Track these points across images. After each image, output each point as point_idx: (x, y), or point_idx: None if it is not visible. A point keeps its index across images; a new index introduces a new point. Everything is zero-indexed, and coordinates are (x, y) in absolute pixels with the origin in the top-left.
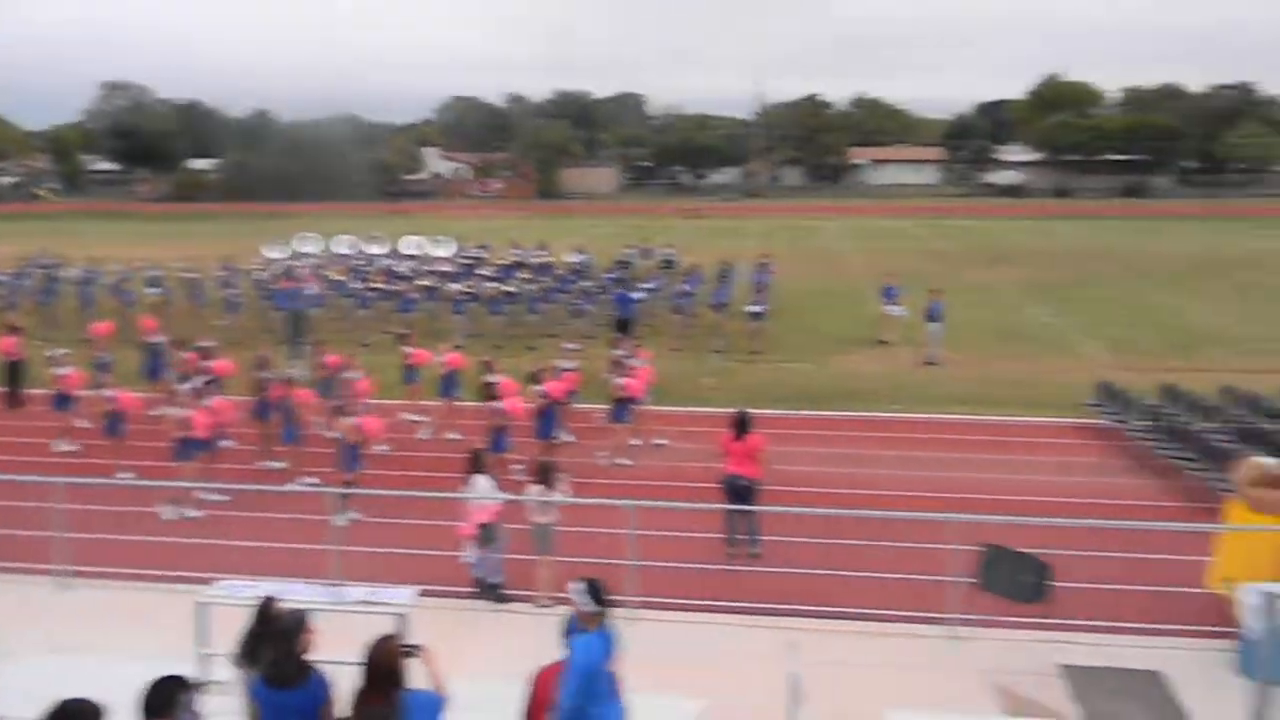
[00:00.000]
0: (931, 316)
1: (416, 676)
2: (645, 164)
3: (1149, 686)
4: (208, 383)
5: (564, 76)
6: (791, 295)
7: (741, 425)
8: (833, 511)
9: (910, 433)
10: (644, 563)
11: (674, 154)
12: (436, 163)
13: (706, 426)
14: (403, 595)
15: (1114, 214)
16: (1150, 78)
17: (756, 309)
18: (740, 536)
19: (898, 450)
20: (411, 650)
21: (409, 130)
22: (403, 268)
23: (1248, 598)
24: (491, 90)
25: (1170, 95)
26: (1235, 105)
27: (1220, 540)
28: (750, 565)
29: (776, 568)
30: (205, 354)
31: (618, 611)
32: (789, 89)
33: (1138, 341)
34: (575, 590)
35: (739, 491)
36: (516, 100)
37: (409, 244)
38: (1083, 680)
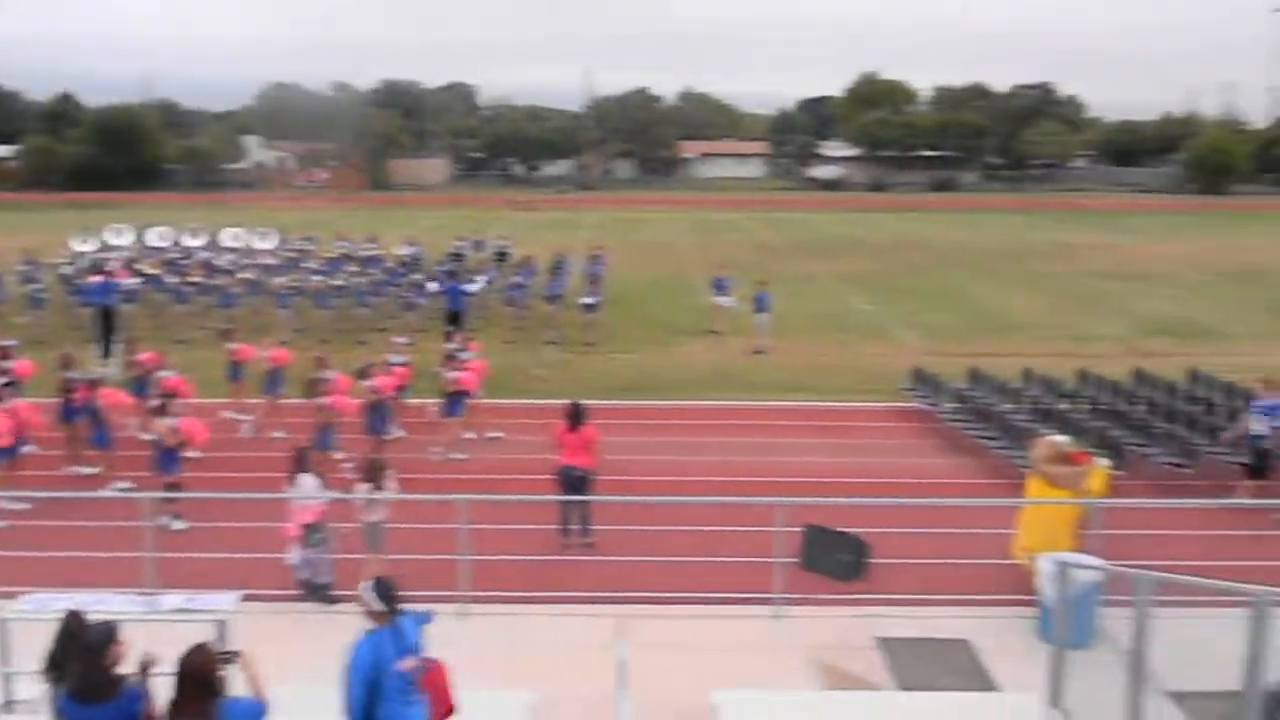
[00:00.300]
0: (759, 307)
1: (236, 684)
2: (476, 155)
3: (958, 654)
4: (7, 384)
5: (392, 65)
6: (625, 287)
7: (575, 416)
8: (664, 499)
9: (738, 420)
10: (477, 557)
11: (506, 145)
12: (258, 152)
13: (541, 418)
14: (223, 601)
15: (926, 207)
16: (959, 77)
17: (590, 301)
18: (574, 527)
19: (726, 437)
20: (229, 657)
21: (227, 118)
22: (223, 261)
23: (1044, 566)
24: (315, 78)
25: (977, 94)
26: (1035, 104)
27: (1021, 513)
28: (584, 555)
29: (610, 556)
30: (4, 354)
31: (448, 607)
32: (619, 82)
33: (948, 328)
34: (363, 588)
35: (573, 482)
36: (342, 88)
37: (229, 236)
38: (898, 651)
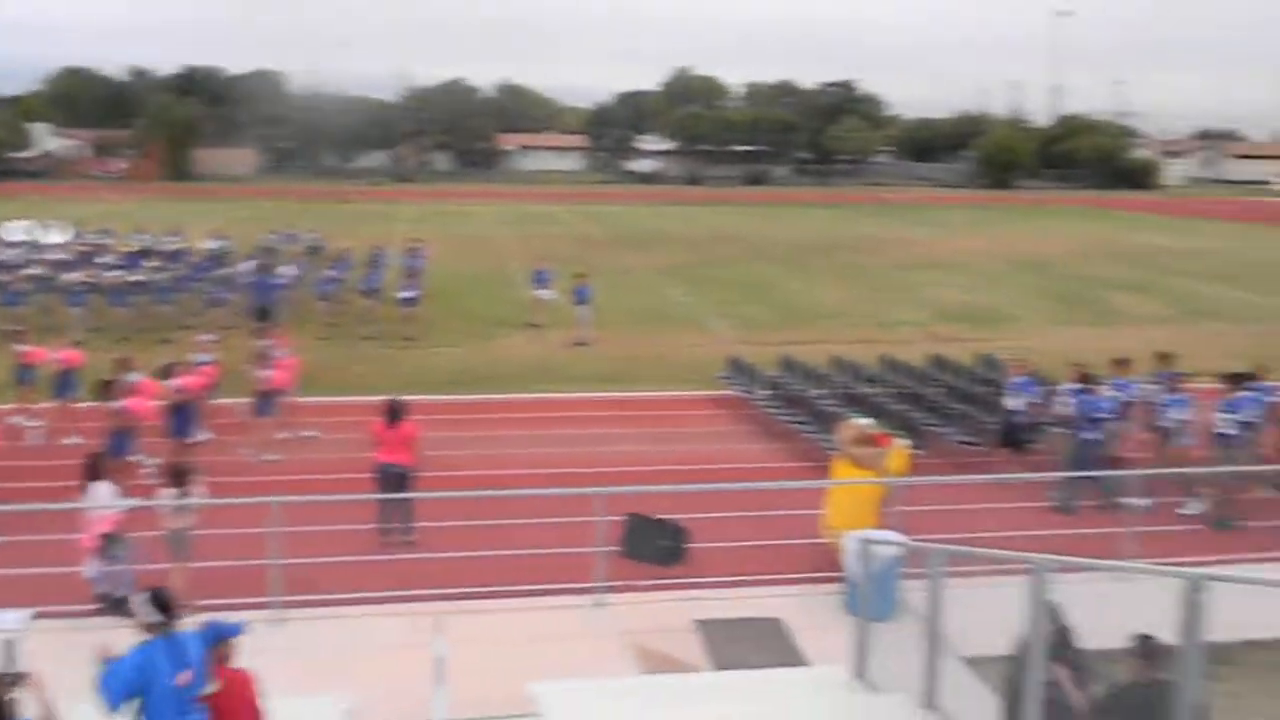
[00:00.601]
0: (579, 299)
1: (26, 707)
2: (287, 146)
3: (771, 632)
4: None
5: (193, 51)
6: (444, 280)
7: (393, 413)
8: (484, 493)
9: (560, 412)
10: (291, 561)
11: (317, 136)
12: (47, 140)
13: (358, 415)
14: (10, 620)
15: (740, 200)
16: (768, 74)
17: (408, 294)
18: (394, 525)
19: (548, 430)
20: (16, 679)
21: (13, 103)
22: (8, 255)
23: (849, 544)
24: (109, 62)
25: (786, 91)
26: (840, 102)
27: (828, 494)
28: (404, 553)
29: (431, 553)
30: None
31: (261, 614)
32: (435, 73)
33: (762, 318)
34: (137, 599)
35: (392, 479)
36: (138, 74)
37: (15, 229)
38: (714, 632)
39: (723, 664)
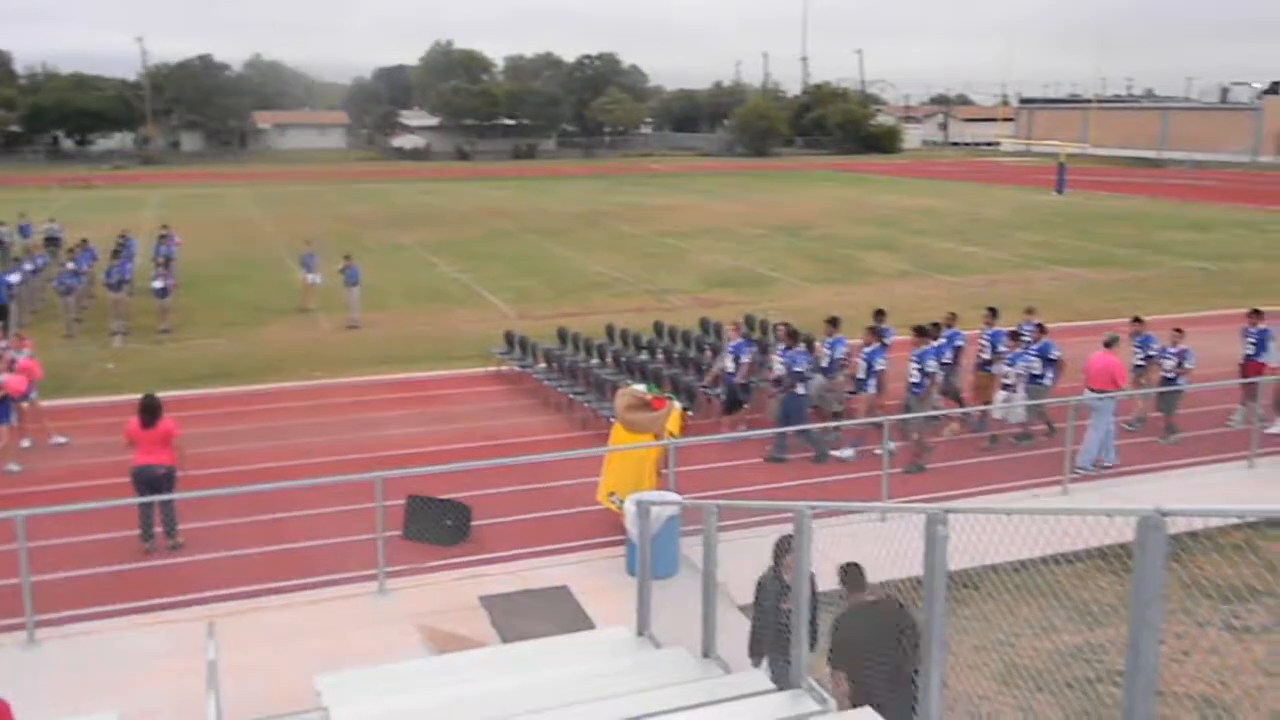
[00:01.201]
0: (349, 280)
1: None
2: (14, 129)
3: (559, 601)
4: None
5: None
6: (202, 267)
7: (149, 411)
8: (257, 488)
9: (335, 398)
10: (43, 577)
11: (50, 117)
12: None
13: (113, 416)
14: None
15: (509, 174)
16: (530, 47)
17: (161, 284)
18: (158, 529)
19: (323, 417)
20: None
21: None
22: None
23: (629, 507)
24: None
25: (549, 64)
26: (603, 74)
27: (606, 460)
28: (172, 558)
29: (201, 555)
30: None
31: (12, 637)
32: (177, 49)
33: (536, 291)
34: None
35: (153, 482)
36: None
37: None
38: (501, 607)
39: (511, 636)
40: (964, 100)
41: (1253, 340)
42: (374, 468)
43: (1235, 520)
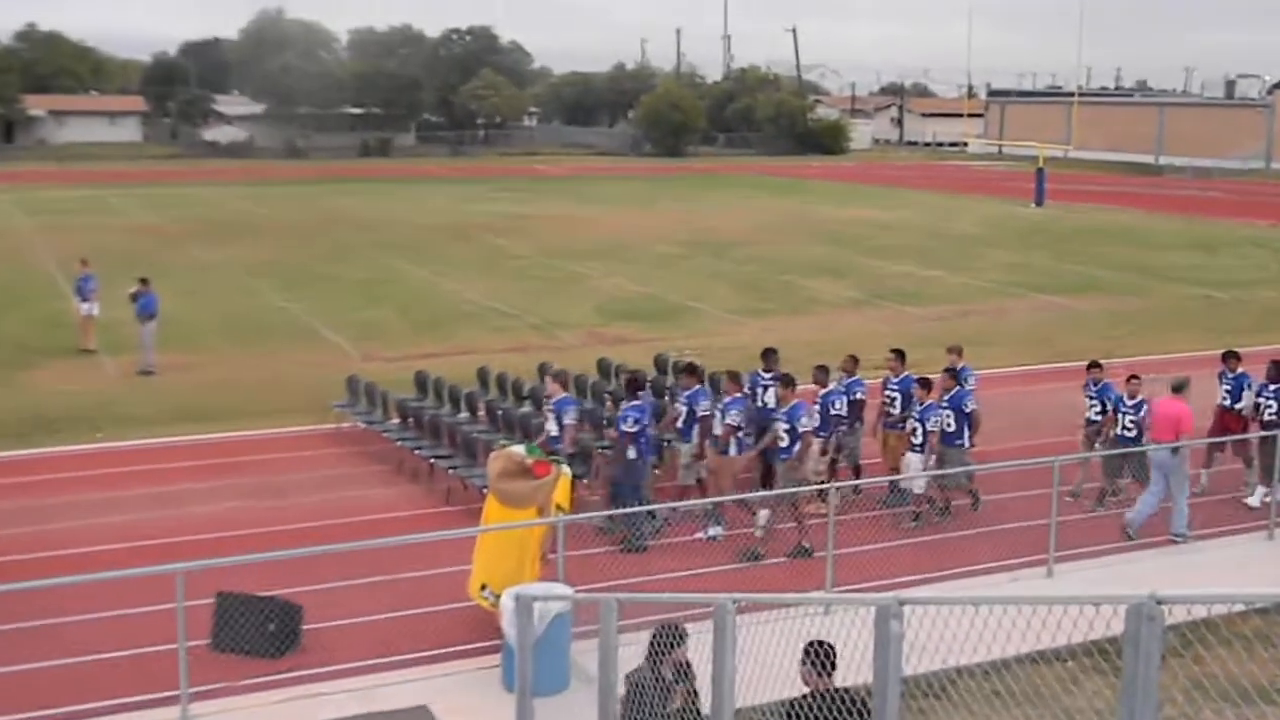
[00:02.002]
0: (143, 312)
1: None
2: None
3: None
4: None
5: None
6: None
7: None
8: (16, 586)
9: (122, 466)
10: None
11: None
12: None
13: None
14: None
15: (354, 176)
16: (383, 19)
17: None
18: None
19: (109, 492)
20: None
21: None
22: None
23: (504, 603)
24: None
25: (406, 40)
26: (475, 53)
27: (477, 543)
28: None
29: None
30: None
31: None
32: None
33: (389, 325)
34: None
35: None
36: None
37: None
38: None
39: None
40: (922, 91)
41: (1228, 388)
42: (174, 556)
43: (1244, 607)
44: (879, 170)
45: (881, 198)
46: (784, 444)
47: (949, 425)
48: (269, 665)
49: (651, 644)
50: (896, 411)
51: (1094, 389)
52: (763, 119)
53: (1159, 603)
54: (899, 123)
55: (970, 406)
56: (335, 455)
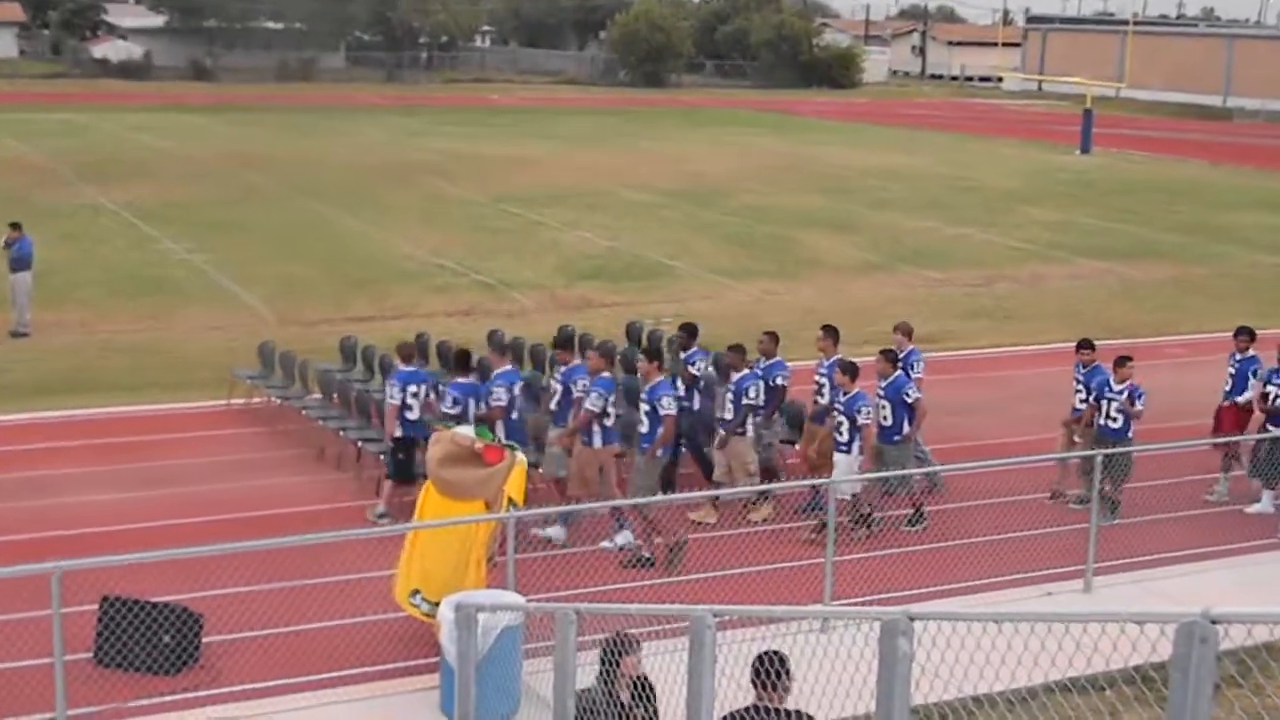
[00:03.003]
0: (15, 264)
1: None
2: None
3: None
4: None
5: None
6: None
7: None
8: None
9: None
10: None
11: None
12: None
13: None
14: None
15: (272, 103)
16: None
17: None
18: None
19: None
20: None
21: None
22: None
23: (443, 614)
24: None
25: None
26: None
27: (409, 542)
28: None
29: None
30: None
31: None
32: None
33: (311, 283)
34: None
35: None
36: None
37: None
38: None
39: None
40: (948, 15)
41: (1232, 372)
42: (49, 554)
43: None
44: (896, 108)
45: (899, 141)
46: (644, 431)
47: (885, 418)
48: (163, 683)
49: (603, 659)
50: (825, 400)
51: (1082, 373)
52: (759, 44)
53: (1213, 622)
54: (921, 52)
55: (913, 396)
56: (244, 436)
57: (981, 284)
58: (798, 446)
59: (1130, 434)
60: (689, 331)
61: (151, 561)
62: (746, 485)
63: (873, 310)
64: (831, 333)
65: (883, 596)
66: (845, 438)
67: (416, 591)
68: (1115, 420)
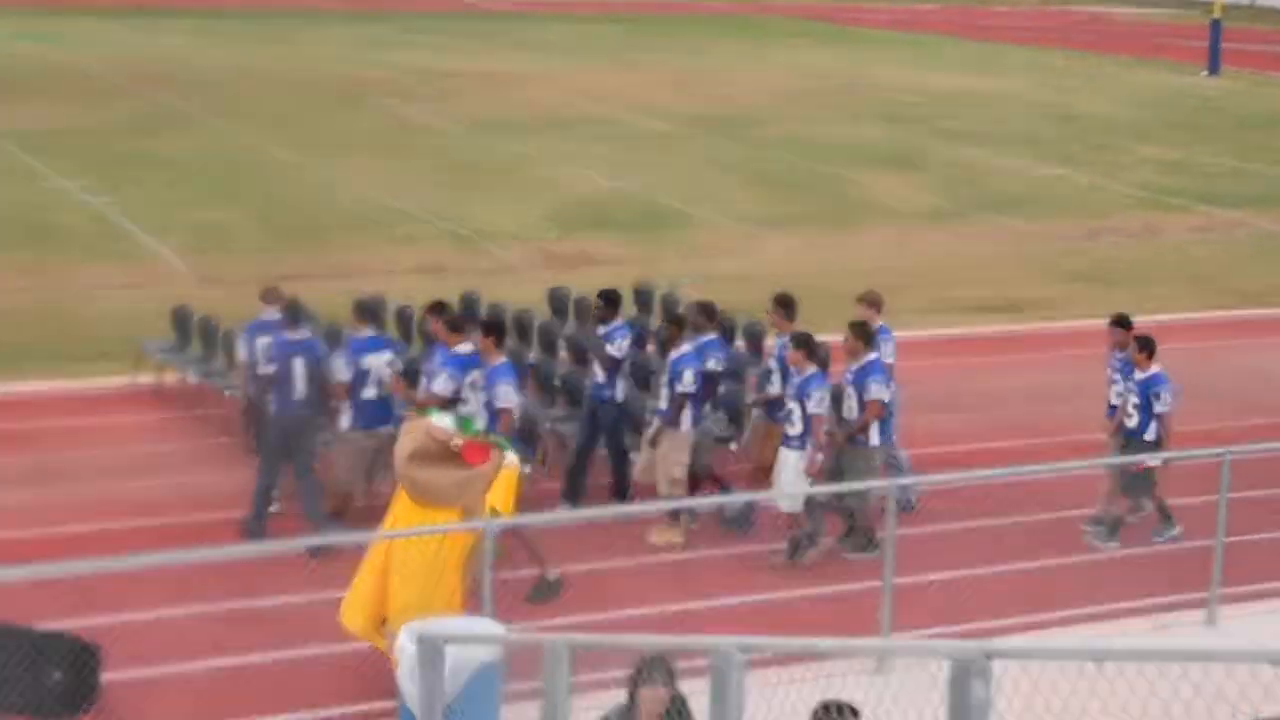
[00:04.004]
0: None
1: None
2: None
3: None
4: None
5: None
6: None
7: None
8: None
9: None
10: None
11: None
12: None
13: None
14: None
15: (189, 6)
16: None
17: None
18: None
19: None
20: None
21: None
22: None
23: (405, 645)
24: None
25: None
26: None
27: (369, 553)
28: None
29: None
30: None
31: None
32: None
33: (236, 230)
34: None
35: None
36: None
37: None
38: None
39: None
40: None
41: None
42: None
43: None
44: (976, 17)
45: (977, 57)
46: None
47: (850, 410)
48: None
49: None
50: (776, 388)
51: (1117, 360)
52: None
53: None
54: None
55: (874, 391)
56: (154, 423)
57: (1082, 238)
58: (734, 447)
59: (1150, 435)
60: (608, 301)
61: (37, 579)
62: (669, 496)
63: (943, 270)
64: (785, 304)
65: (950, 630)
66: (797, 429)
67: (377, 617)
68: (1131, 417)
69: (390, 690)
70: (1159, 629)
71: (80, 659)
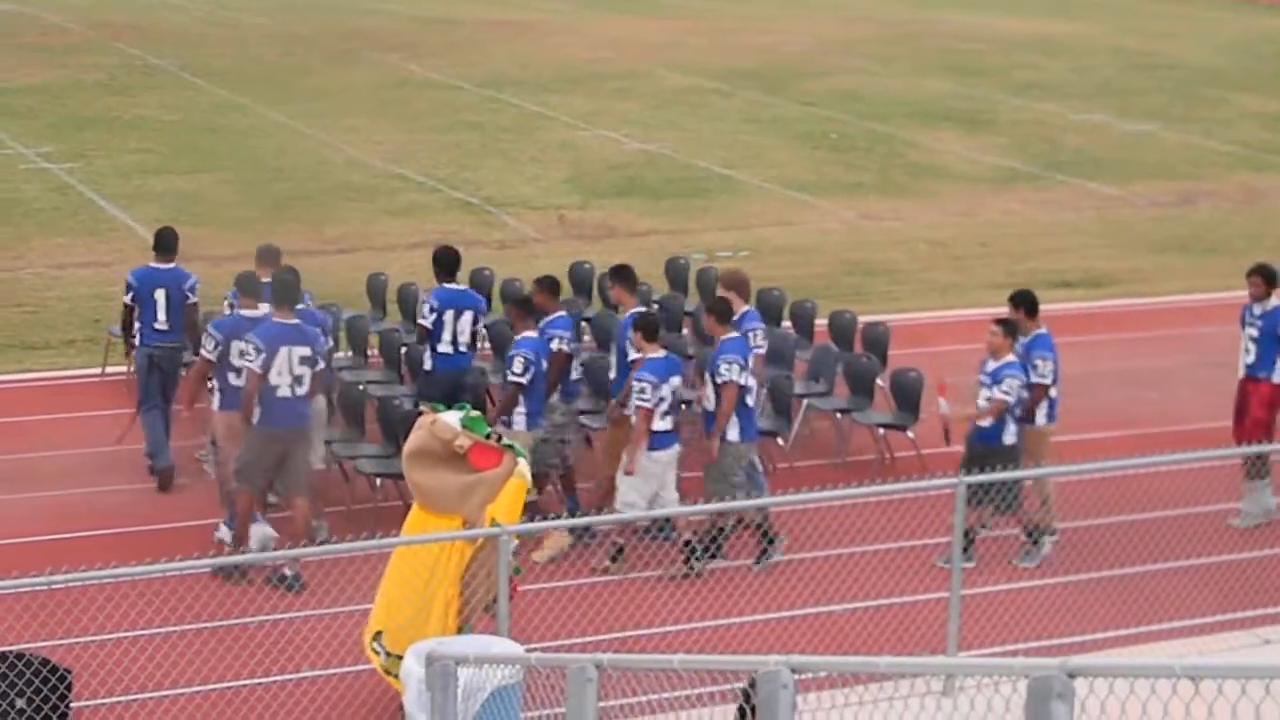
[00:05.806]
0: None
1: None
2: None
3: None
4: None
5: None
6: None
7: None
8: None
9: None
10: None
11: None
12: None
13: None
14: None
15: None
16: None
17: None
18: None
19: None
20: None
21: None
22: None
23: (411, 667)
24: None
25: None
26: None
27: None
28: None
29: None
30: None
31: None
32: None
33: (216, 200)
34: None
35: None
36: None
37: None
38: None
39: None
40: None
41: (1254, 333)
42: None
43: None
44: None
45: None
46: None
47: (707, 400)
48: None
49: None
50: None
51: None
52: None
53: None
54: None
55: (724, 375)
56: (124, 417)
57: (1174, 203)
58: (781, 441)
59: (1008, 439)
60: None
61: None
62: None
63: (1017, 239)
64: (624, 276)
65: (1024, 646)
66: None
67: (380, 633)
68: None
69: (397, 717)
70: (1261, 644)
71: (49, 683)
